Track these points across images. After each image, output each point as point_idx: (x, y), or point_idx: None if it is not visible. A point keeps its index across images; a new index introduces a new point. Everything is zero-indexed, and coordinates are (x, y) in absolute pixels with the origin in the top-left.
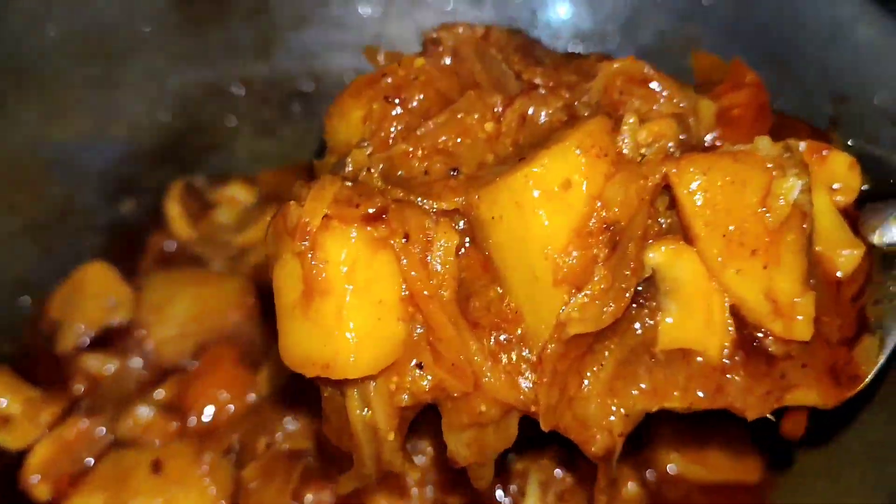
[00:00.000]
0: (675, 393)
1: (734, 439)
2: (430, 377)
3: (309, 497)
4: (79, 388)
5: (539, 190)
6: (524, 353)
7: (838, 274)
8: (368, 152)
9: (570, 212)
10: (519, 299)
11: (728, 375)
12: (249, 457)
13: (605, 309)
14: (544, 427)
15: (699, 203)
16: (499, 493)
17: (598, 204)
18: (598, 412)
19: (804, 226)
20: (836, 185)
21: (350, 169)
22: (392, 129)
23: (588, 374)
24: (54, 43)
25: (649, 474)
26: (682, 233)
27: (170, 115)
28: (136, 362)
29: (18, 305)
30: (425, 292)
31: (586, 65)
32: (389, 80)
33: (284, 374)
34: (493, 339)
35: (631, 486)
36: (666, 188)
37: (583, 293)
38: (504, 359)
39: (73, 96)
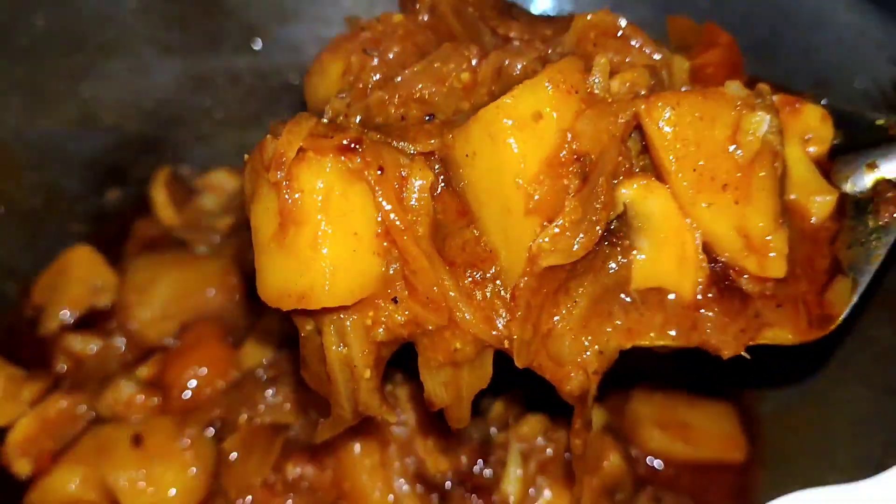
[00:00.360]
0: (649, 332)
1: (719, 418)
2: (405, 311)
3: (290, 469)
4: (62, 367)
5: (510, 119)
6: (499, 291)
7: (812, 220)
8: (347, 102)
9: (541, 142)
10: (493, 236)
11: (702, 312)
12: (230, 431)
13: (576, 240)
14: (519, 363)
15: (669, 137)
16: (477, 467)
17: (569, 137)
18: (573, 349)
19: (775, 164)
20: (808, 136)
21: (328, 116)
22: (370, 80)
23: (562, 311)
24: (42, 33)
25: (634, 453)
26: (655, 172)
27: (156, 105)
28: (120, 342)
29: (3, 290)
30: (399, 223)
31: (561, 21)
32: (368, 33)
33: (267, 350)
34: (468, 278)
35: (613, 459)
36: (638, 130)
37: (554, 224)
38: (478, 295)
39: (60, 86)
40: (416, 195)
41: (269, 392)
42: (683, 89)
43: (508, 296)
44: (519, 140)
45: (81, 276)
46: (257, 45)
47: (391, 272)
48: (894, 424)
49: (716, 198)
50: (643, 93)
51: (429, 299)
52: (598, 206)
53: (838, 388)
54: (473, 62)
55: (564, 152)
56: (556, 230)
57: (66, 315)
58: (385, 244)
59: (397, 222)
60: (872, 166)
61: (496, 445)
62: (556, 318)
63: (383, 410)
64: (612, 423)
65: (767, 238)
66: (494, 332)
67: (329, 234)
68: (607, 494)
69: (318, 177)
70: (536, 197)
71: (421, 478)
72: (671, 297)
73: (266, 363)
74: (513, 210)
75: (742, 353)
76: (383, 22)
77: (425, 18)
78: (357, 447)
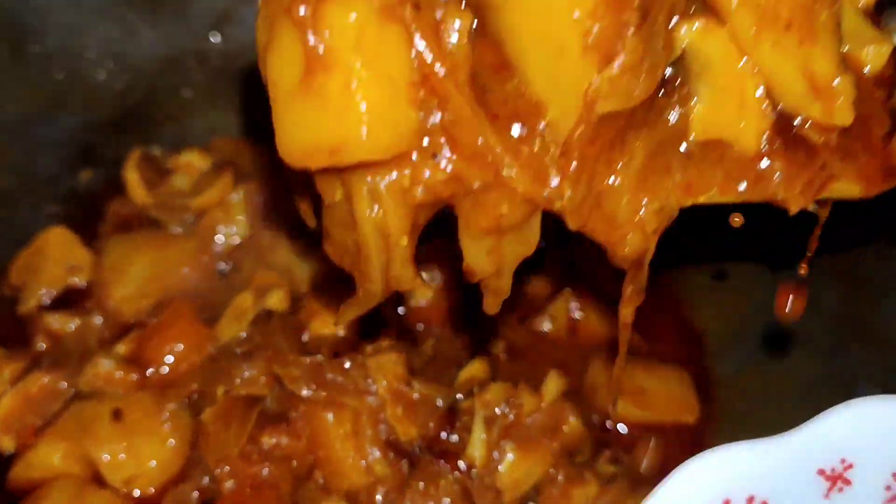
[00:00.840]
0: (711, 187)
1: (673, 383)
2: (447, 167)
3: (266, 439)
4: (41, 345)
5: None
6: (548, 146)
7: (866, 70)
8: None
9: None
10: (540, 85)
11: (767, 164)
12: (207, 404)
13: (636, 83)
14: (572, 225)
15: None
16: (444, 434)
17: None
18: (629, 208)
19: (834, 7)
20: None
21: None
22: None
23: (618, 165)
24: (12, 18)
25: (594, 418)
26: (710, 14)
27: (126, 87)
28: (97, 320)
29: None
30: (439, 67)
31: None
32: None
33: (241, 326)
34: (513, 132)
35: (573, 423)
36: None
37: (614, 63)
38: (526, 151)
39: (31, 70)
40: (453, 39)
41: (244, 366)
42: None
43: (559, 151)
44: None
45: (57, 256)
46: (225, 26)
47: (429, 125)
48: (840, 386)
49: (780, 37)
50: None
51: (473, 153)
52: (658, 46)
53: (788, 352)
54: None
55: None
56: (616, 71)
57: (44, 295)
58: (422, 93)
59: (437, 66)
60: None
61: (462, 412)
62: (611, 174)
63: (417, 283)
64: (572, 389)
65: (833, 82)
66: (545, 191)
67: (364, 77)
68: (567, 457)
69: (348, 11)
70: (595, 31)
71: (391, 445)
72: (733, 149)
73: (240, 339)
74: (567, 49)
75: (809, 207)
76: None
77: None
78: (330, 416)
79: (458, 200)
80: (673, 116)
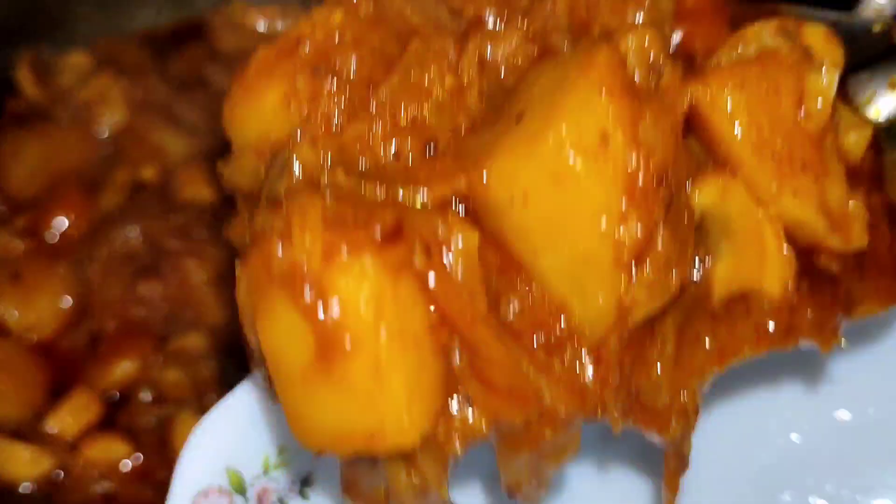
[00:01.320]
0: (743, 346)
1: None
2: (484, 413)
3: (142, 288)
4: None
5: (577, 152)
6: (580, 352)
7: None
8: (319, 151)
9: (616, 171)
10: (560, 288)
11: (796, 309)
12: (93, 262)
13: (671, 276)
14: (616, 429)
15: (742, 125)
16: None
17: (635, 153)
18: (669, 395)
19: (833, 124)
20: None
21: (299, 175)
22: (333, 111)
23: (654, 356)
24: None
25: None
26: (718, 163)
27: None
28: None
29: None
30: (463, 311)
31: None
32: (308, 46)
33: (120, 197)
34: (537, 346)
35: None
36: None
37: (647, 267)
38: (557, 366)
39: None
40: (461, 263)
41: (124, 230)
42: (675, 37)
43: (592, 357)
44: (594, 175)
45: None
46: None
47: (455, 367)
48: None
49: (800, 182)
50: (666, 68)
51: (513, 391)
52: (684, 226)
53: None
54: (451, 58)
55: (642, 174)
56: (651, 273)
57: None
58: (442, 336)
59: (463, 313)
60: (895, 85)
61: None
62: (648, 369)
63: None
64: None
65: (847, 208)
66: (587, 407)
67: (393, 355)
68: None
69: (360, 282)
70: (629, 244)
71: None
72: (759, 298)
73: (119, 207)
74: (594, 260)
75: (840, 342)
76: (321, 26)
77: (368, 9)
78: (192, 264)
79: (498, 438)
80: (693, 281)
